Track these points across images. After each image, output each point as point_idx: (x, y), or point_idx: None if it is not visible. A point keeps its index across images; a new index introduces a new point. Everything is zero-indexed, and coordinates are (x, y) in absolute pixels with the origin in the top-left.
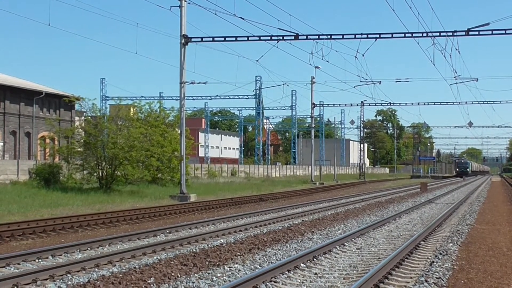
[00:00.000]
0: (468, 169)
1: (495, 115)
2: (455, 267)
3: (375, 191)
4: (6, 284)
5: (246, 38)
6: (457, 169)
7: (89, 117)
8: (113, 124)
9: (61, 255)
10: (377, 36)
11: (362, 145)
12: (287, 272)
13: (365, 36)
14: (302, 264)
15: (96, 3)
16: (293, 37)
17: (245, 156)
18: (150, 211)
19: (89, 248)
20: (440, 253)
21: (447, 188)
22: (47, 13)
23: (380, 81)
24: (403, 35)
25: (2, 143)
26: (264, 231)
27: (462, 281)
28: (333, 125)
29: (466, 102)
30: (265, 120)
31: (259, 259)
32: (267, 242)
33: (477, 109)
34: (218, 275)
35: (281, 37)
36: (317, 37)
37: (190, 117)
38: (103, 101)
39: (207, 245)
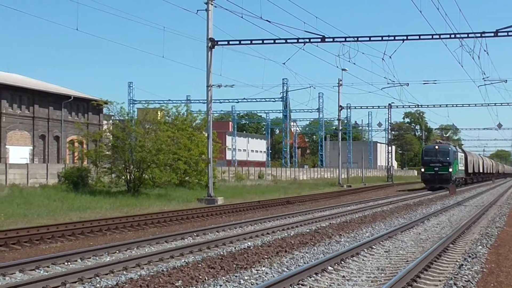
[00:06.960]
0: (450, 170)
1: None
2: (484, 270)
3: (403, 193)
4: (36, 286)
5: (272, 41)
6: (423, 170)
7: (117, 121)
8: (140, 128)
9: (89, 258)
10: (404, 38)
11: (389, 148)
12: (314, 275)
13: (392, 38)
14: (329, 267)
15: (123, 8)
16: (319, 40)
17: (272, 159)
18: (178, 214)
19: (117, 251)
20: (469, 256)
21: (475, 190)
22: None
23: (408, 83)
24: (430, 36)
25: (31, 147)
26: (291, 234)
27: (492, 284)
28: (361, 128)
29: (495, 103)
30: (292, 123)
31: (287, 262)
32: (294, 245)
33: (506, 111)
34: (246, 278)
35: (307, 40)
36: (343, 39)
37: (217, 120)
38: (131, 105)
39: (235, 248)
